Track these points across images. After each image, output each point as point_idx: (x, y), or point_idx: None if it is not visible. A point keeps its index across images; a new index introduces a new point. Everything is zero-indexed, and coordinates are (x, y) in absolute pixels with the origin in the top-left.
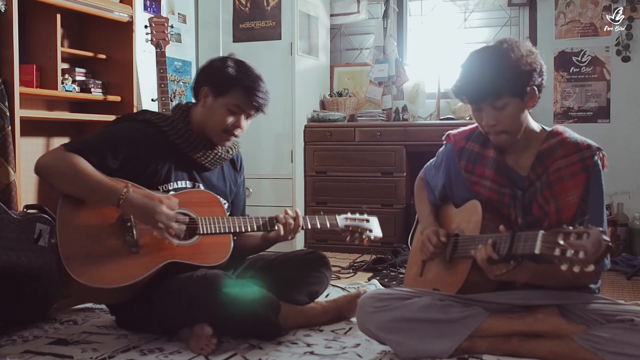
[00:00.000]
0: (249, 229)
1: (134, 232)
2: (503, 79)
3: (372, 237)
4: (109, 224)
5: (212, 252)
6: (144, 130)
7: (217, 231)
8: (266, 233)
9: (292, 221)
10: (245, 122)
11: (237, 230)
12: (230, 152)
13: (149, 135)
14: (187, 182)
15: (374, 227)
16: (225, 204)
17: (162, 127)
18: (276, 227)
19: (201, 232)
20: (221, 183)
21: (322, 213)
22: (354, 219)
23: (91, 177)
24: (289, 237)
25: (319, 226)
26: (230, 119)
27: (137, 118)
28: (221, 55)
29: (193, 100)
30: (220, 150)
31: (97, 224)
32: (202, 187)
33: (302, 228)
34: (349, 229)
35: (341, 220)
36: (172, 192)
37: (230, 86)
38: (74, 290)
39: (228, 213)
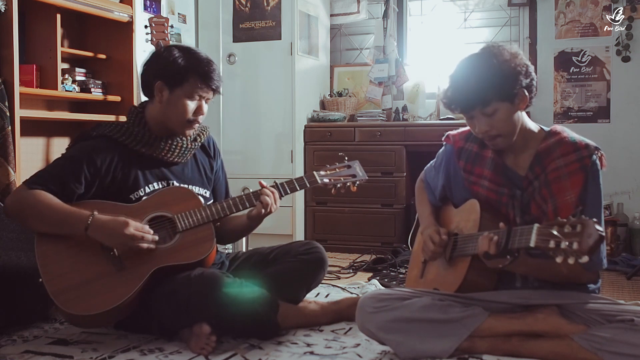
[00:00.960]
0: (227, 212)
1: (115, 249)
2: (488, 85)
3: (357, 182)
4: (88, 248)
5: (196, 247)
6: (99, 146)
7: (196, 223)
8: (249, 211)
9: (269, 193)
10: (205, 107)
11: (216, 216)
12: (198, 140)
13: (106, 150)
14: (159, 182)
15: (357, 172)
16: (206, 192)
17: (117, 137)
18: (255, 203)
19: (180, 229)
20: (196, 174)
21: (303, 177)
22: (334, 169)
23: (55, 211)
24: (272, 210)
25: (298, 188)
26: (192, 107)
27: (91, 135)
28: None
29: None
30: (184, 142)
31: (77, 252)
32: (175, 184)
33: (282, 196)
34: (331, 181)
35: (320, 176)
36: (144, 197)
37: (185, 75)
38: (73, 321)
39: (210, 201)
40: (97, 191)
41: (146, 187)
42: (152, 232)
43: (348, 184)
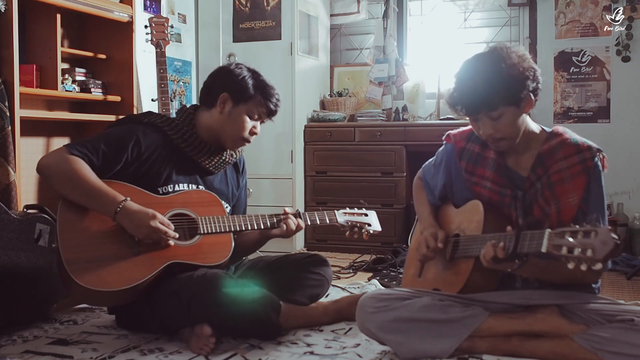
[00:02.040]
0: (249, 228)
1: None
2: (496, 90)
3: (372, 231)
4: (110, 226)
5: (213, 252)
6: (148, 133)
7: (218, 230)
8: (267, 231)
9: (294, 222)
10: (259, 128)
11: (238, 229)
12: (234, 156)
13: (152, 138)
14: (188, 185)
15: (373, 221)
16: (227, 207)
17: (166, 130)
18: (277, 227)
19: (202, 231)
20: (224, 186)
21: (320, 209)
22: (353, 214)
23: (91, 184)
24: (289, 236)
25: (318, 222)
26: (249, 125)
27: (142, 120)
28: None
29: (196, 103)
30: (225, 155)
31: (98, 227)
32: (202, 189)
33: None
34: (348, 224)
35: (340, 215)
36: (171, 193)
37: (253, 94)
38: (77, 294)
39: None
40: (131, 174)
41: (176, 185)
42: (173, 229)
43: (363, 230)
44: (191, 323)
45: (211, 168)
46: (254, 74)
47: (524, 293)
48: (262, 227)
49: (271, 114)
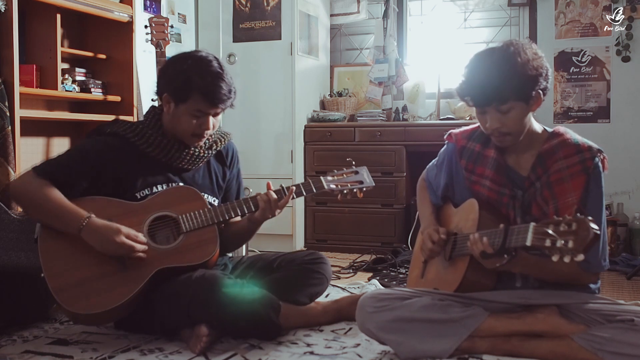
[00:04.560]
0: (232, 215)
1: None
2: (509, 83)
3: (364, 189)
4: (91, 246)
5: (200, 249)
6: (111, 143)
7: (201, 225)
8: (251, 214)
9: (266, 197)
10: (213, 121)
11: (220, 219)
12: (214, 148)
13: (116, 148)
14: (168, 184)
15: (364, 178)
16: (214, 200)
17: (129, 137)
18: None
19: (184, 229)
20: (206, 180)
21: (310, 182)
22: (341, 175)
23: (54, 204)
24: (275, 213)
25: (304, 193)
26: (196, 123)
27: (105, 131)
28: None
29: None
30: (196, 150)
31: (80, 249)
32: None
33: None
34: (337, 187)
35: (327, 181)
36: (149, 196)
37: (189, 93)
38: (73, 319)
39: None
40: (104, 187)
41: (154, 188)
42: (144, 239)
43: (355, 190)
44: (191, 324)
45: (185, 166)
46: (195, 67)
47: (524, 293)
48: (246, 210)
49: (218, 108)
